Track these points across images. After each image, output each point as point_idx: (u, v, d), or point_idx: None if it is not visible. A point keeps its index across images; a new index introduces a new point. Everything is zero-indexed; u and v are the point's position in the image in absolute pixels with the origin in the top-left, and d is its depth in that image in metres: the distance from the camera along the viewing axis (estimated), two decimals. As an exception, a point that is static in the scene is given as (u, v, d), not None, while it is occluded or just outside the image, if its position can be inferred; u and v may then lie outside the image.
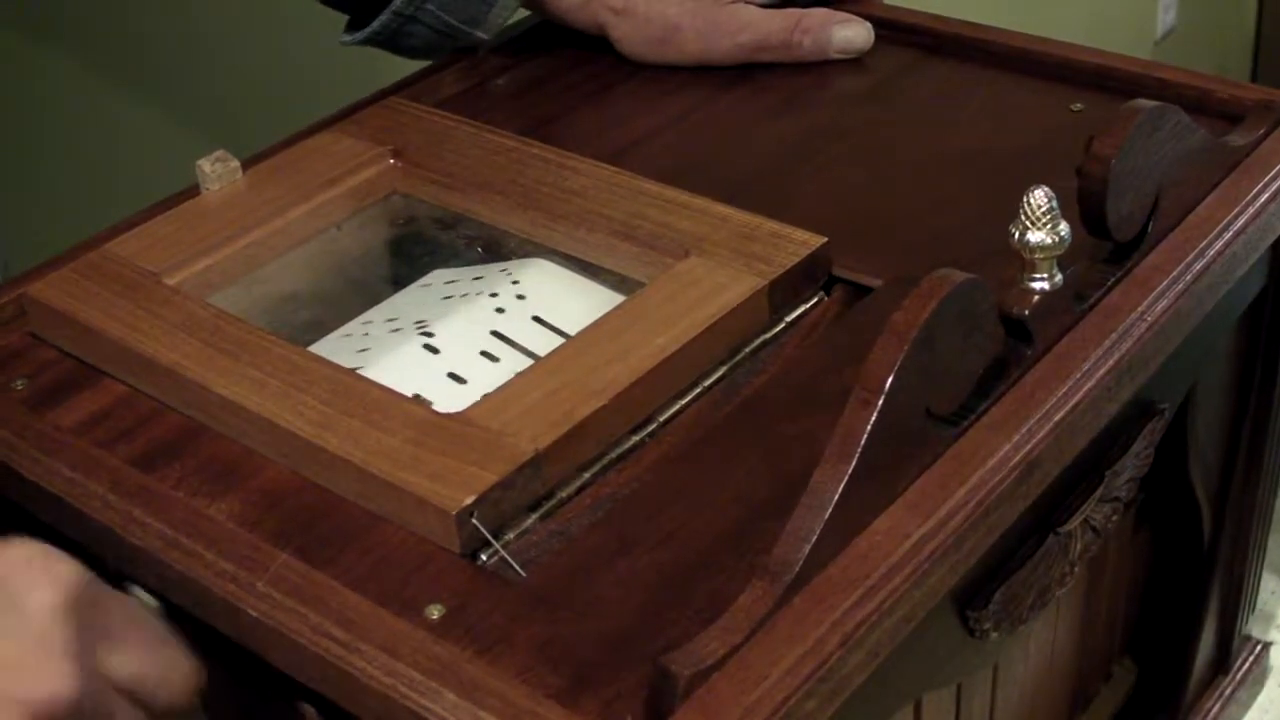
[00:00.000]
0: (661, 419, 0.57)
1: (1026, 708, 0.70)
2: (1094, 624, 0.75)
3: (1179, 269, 0.60)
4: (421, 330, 0.62)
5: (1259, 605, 0.85)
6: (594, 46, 0.82)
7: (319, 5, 0.80)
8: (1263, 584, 0.83)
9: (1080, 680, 0.76)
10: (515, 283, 0.65)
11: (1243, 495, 0.76)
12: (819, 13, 0.79)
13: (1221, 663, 0.83)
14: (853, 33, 0.79)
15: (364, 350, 0.62)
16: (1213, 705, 0.82)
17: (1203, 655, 0.80)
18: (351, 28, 0.80)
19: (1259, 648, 0.86)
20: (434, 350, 0.61)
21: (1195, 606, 0.78)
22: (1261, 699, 0.85)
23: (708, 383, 0.59)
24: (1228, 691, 0.83)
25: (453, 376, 0.60)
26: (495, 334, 0.62)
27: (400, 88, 0.78)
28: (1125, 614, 0.78)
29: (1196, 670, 0.80)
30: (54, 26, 1.07)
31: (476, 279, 0.66)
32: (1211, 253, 0.61)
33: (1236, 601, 0.80)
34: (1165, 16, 2.22)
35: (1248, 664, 0.84)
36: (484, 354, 0.61)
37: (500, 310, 0.63)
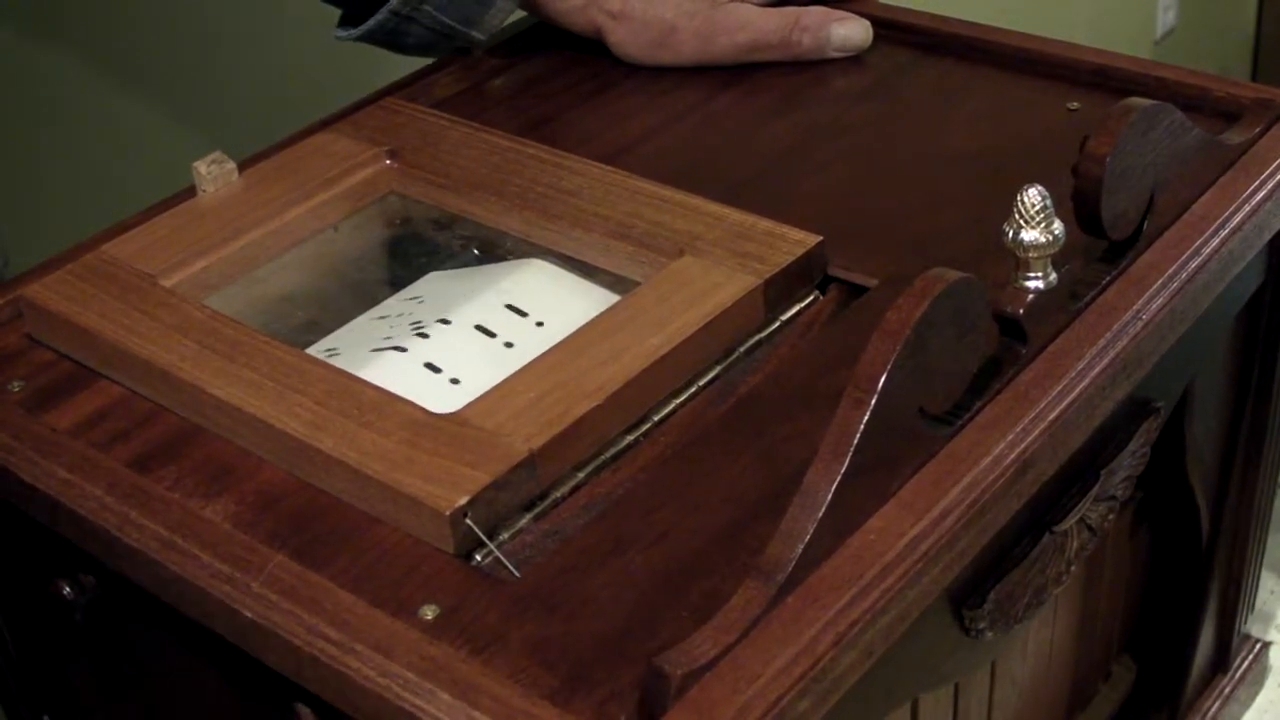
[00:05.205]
0: (656, 419, 0.57)
1: (1025, 707, 0.70)
2: (1093, 623, 0.75)
3: (1174, 267, 0.59)
4: (417, 331, 0.62)
5: (1258, 605, 0.85)
6: (590, 47, 0.82)
7: (315, 5, 0.80)
8: (1262, 583, 0.83)
9: (1079, 679, 0.76)
10: (512, 283, 0.65)
11: (1241, 494, 0.76)
12: (817, 11, 0.79)
13: (1221, 662, 0.83)
14: (851, 31, 0.79)
15: (353, 353, 0.62)
16: (1212, 704, 0.82)
17: (1202, 654, 0.80)
18: (346, 23, 0.80)
19: (1258, 647, 0.85)
20: (429, 351, 0.61)
21: (1194, 605, 0.78)
22: (1261, 699, 0.85)
23: (702, 382, 0.59)
24: (1227, 690, 0.83)
25: (448, 379, 0.60)
26: (489, 333, 0.62)
27: (396, 88, 0.78)
28: (1124, 613, 0.78)
29: (1196, 669, 0.80)
30: (54, 26, 1.07)
31: (472, 280, 0.66)
32: (1207, 251, 0.61)
33: (1235, 600, 0.80)
34: (1165, 16, 2.22)
35: (1247, 663, 0.84)
36: (478, 354, 0.61)
37: (496, 311, 0.63)
